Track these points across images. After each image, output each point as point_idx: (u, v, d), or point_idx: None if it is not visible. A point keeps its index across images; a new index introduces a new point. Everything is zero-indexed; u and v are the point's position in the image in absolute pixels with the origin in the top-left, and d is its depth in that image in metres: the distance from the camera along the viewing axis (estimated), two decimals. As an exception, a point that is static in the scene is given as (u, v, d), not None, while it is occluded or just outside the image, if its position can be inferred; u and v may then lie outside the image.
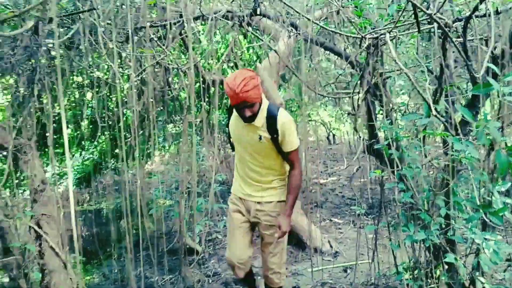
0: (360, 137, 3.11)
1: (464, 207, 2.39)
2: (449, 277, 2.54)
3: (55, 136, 4.64)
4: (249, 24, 3.40)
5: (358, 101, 2.95)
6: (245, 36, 6.05)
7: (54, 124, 4.06)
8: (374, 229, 2.96)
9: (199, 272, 3.97)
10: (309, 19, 2.04)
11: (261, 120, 2.45)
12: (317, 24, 2.02)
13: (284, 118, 2.46)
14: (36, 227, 2.58)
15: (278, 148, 2.49)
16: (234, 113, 2.55)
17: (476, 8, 2.01)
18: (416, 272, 2.76)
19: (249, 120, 2.39)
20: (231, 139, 2.75)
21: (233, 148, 2.76)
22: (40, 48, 2.36)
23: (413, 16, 1.94)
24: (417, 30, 1.91)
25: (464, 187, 2.59)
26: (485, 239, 2.23)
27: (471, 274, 2.48)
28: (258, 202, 2.62)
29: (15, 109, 2.82)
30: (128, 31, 2.89)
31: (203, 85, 4.56)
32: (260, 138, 2.46)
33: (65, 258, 2.59)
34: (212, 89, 5.11)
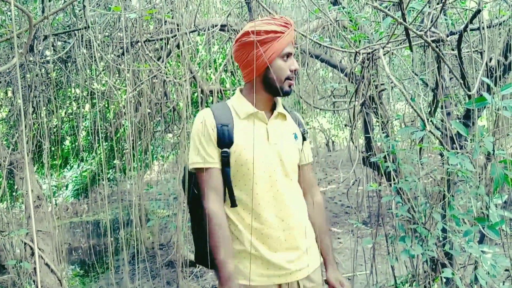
0: (356, 148, 3.11)
1: (461, 220, 2.39)
2: (447, 291, 2.53)
3: (52, 148, 4.64)
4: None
5: (354, 113, 2.95)
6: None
7: (51, 137, 4.07)
8: (372, 242, 2.95)
9: (197, 285, 3.95)
10: (303, 35, 2.04)
11: (283, 107, 1.65)
12: (311, 40, 2.02)
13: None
14: (31, 244, 2.58)
15: None
16: (241, 121, 1.54)
17: (468, 23, 2.02)
18: (414, 284, 2.75)
19: (292, 86, 1.55)
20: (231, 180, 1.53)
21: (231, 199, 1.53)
22: (35, 66, 2.37)
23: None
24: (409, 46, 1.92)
25: (461, 199, 2.58)
26: (483, 252, 2.22)
27: (470, 287, 2.47)
28: (306, 277, 1.57)
29: (11, 124, 2.82)
30: (124, 44, 2.90)
31: (201, 95, 4.57)
32: (296, 137, 1.63)
33: (61, 274, 2.59)
34: (210, 98, 5.12)
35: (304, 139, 1.69)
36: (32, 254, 2.57)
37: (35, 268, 2.48)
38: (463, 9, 2.71)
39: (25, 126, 2.79)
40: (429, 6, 2.22)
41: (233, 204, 1.52)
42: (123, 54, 3.36)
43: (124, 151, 5.55)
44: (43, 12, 2.34)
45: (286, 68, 1.51)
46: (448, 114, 2.57)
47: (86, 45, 2.85)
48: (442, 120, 2.53)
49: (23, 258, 2.53)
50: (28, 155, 2.72)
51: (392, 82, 2.02)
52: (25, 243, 2.58)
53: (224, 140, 1.49)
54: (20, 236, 2.52)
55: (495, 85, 2.32)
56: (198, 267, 4.26)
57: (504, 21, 2.32)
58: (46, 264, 2.59)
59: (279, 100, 1.62)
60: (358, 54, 2.19)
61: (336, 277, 1.65)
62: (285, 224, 1.51)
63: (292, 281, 1.52)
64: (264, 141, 1.53)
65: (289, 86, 1.53)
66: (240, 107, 1.55)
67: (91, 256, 5.25)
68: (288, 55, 1.52)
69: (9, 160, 2.67)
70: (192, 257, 4.18)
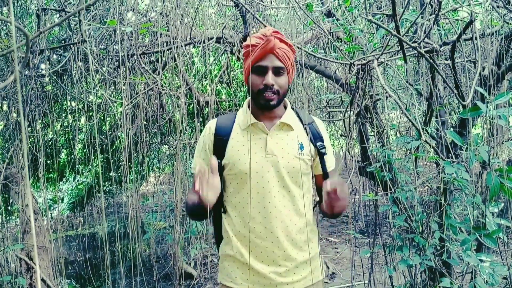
0: (352, 157, 3.12)
1: (458, 229, 2.39)
2: (446, 300, 2.51)
3: (48, 161, 4.62)
4: (239, 51, 3.43)
5: (349, 123, 2.96)
6: (238, 59, 6.11)
7: (47, 150, 4.05)
8: (369, 253, 2.95)
9: (195, 298, 3.92)
10: (298, 46, 2.06)
11: (291, 117, 1.59)
12: (306, 51, 2.04)
13: (319, 119, 1.69)
14: (27, 259, 2.55)
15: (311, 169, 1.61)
16: (235, 131, 1.57)
17: (461, 33, 2.04)
18: (412, 294, 2.74)
19: (271, 101, 1.48)
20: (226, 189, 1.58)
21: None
22: (31, 79, 2.37)
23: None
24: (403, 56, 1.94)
25: (457, 208, 2.59)
26: (481, 260, 2.22)
27: (468, 296, 2.46)
28: None
29: (6, 138, 2.81)
30: (120, 57, 2.91)
31: (197, 106, 4.58)
32: (302, 148, 1.54)
33: (57, 290, 2.55)
34: (206, 110, 5.13)
35: (319, 151, 1.58)
36: (28, 269, 2.54)
37: (30, 284, 2.45)
38: (456, 19, 2.74)
39: (22, 140, 2.79)
40: (422, 17, 2.24)
41: (224, 211, 1.59)
42: (118, 67, 3.36)
43: (120, 163, 5.53)
44: (38, 26, 2.35)
45: (259, 82, 1.48)
46: (443, 123, 2.59)
47: (82, 58, 2.86)
48: (437, 129, 2.54)
49: (18, 273, 2.50)
50: (23, 169, 2.70)
51: (386, 92, 2.03)
52: (20, 259, 2.55)
53: (219, 151, 1.56)
54: (15, 251, 2.49)
55: (489, 94, 2.34)
56: (196, 279, 4.23)
57: (496, 31, 2.35)
58: (42, 280, 2.56)
59: (288, 110, 1.60)
60: (352, 65, 2.21)
61: (332, 181, 1.36)
62: (274, 236, 1.49)
63: None
64: (261, 152, 1.52)
65: (266, 100, 1.48)
66: (243, 118, 1.58)
67: (87, 269, 5.19)
68: (261, 68, 1.47)
69: (4, 175, 2.66)
70: (189, 269, 4.15)
